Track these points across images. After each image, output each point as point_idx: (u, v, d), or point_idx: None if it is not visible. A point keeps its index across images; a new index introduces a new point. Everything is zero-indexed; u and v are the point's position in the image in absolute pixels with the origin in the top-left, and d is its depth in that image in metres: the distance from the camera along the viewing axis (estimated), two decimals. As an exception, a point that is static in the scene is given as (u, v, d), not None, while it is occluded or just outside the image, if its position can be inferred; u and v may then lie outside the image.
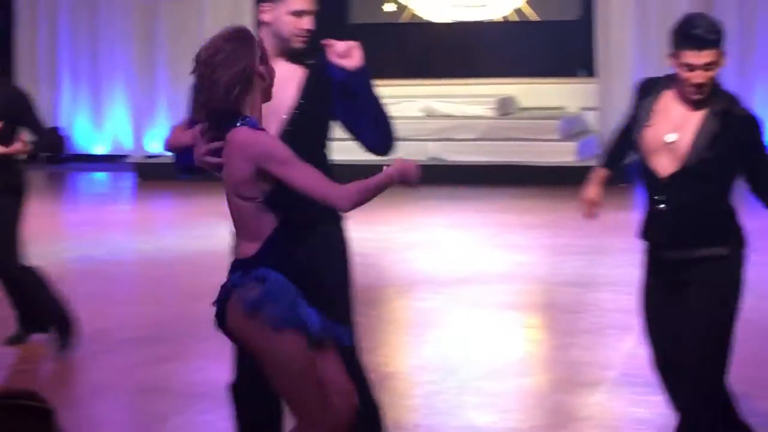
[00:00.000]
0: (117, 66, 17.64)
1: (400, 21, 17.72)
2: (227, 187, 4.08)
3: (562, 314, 8.10)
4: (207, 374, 6.98)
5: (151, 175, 15.92)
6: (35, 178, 16.01)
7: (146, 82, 17.49)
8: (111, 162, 17.40)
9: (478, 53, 16.77)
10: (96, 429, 6.06)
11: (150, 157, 16.98)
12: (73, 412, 5.86)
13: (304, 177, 4.00)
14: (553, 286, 8.97)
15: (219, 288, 4.07)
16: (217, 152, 4.01)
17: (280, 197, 4.01)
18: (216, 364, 7.24)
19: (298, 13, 4.55)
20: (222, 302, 4.10)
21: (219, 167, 4.04)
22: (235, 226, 4.16)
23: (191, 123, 4.34)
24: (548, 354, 7.31)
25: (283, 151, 3.98)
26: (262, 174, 3.92)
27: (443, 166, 15.05)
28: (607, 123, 16.18)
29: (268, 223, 4.01)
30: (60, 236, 11.87)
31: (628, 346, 7.05)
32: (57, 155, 14.25)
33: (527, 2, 17.37)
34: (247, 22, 16.71)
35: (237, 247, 4.17)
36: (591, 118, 16.39)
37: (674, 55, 4.74)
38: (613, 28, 16.06)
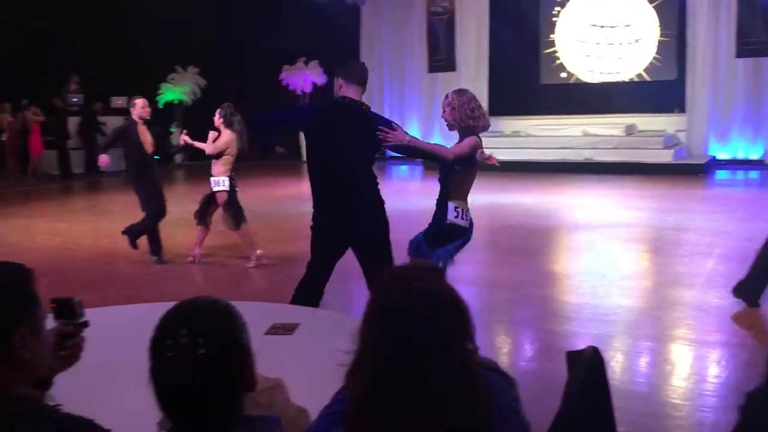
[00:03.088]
0: (413, 108, 17.90)
1: (570, 82, 17.25)
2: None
3: (667, 246, 7.74)
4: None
5: (430, 167, 16.05)
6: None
7: (428, 117, 17.65)
8: (409, 161, 17.66)
9: (615, 99, 16.15)
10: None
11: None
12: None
13: None
14: (660, 230, 8.58)
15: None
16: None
17: None
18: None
19: None
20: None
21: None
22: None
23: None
24: (659, 268, 6.92)
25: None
26: None
27: (593, 163, 14.59)
28: (691, 140, 15.36)
29: None
30: (384, 197, 12.21)
31: (711, 265, 6.68)
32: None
33: (644, 70, 16.59)
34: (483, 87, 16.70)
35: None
36: (681, 136, 15.56)
37: None
38: (697, 85, 15.22)
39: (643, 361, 4.48)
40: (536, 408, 1.82)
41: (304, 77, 17.71)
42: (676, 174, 13.41)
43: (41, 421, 1.28)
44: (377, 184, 4.09)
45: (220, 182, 6.86)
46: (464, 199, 4.31)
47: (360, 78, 4.06)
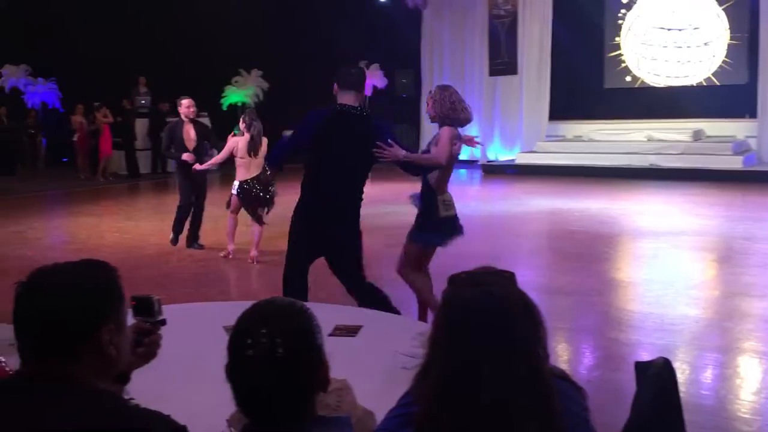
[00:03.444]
0: (473, 111, 17.73)
1: (636, 86, 16.89)
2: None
3: (737, 255, 7.47)
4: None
5: (490, 171, 16.02)
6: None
7: (488, 121, 17.55)
8: (468, 164, 17.61)
9: (682, 103, 15.73)
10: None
11: (489, 161, 17.07)
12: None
13: None
14: (729, 239, 8.30)
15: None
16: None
17: None
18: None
19: None
20: None
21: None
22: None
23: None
24: (728, 278, 6.67)
25: None
26: None
27: (659, 169, 14.23)
28: (762, 146, 14.85)
29: None
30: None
31: (784, 276, 6.43)
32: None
33: (713, 73, 16.13)
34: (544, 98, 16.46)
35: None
36: (752, 142, 15.06)
37: None
38: (769, 88, 14.75)
39: (711, 374, 4.35)
40: (601, 418, 1.78)
41: (364, 80, 17.81)
42: (746, 181, 12.98)
43: (124, 416, 1.31)
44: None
45: (234, 186, 7.39)
46: (446, 190, 4.51)
47: (352, 83, 4.06)
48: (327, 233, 4.07)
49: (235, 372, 1.29)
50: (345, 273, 4.19)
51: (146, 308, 1.66)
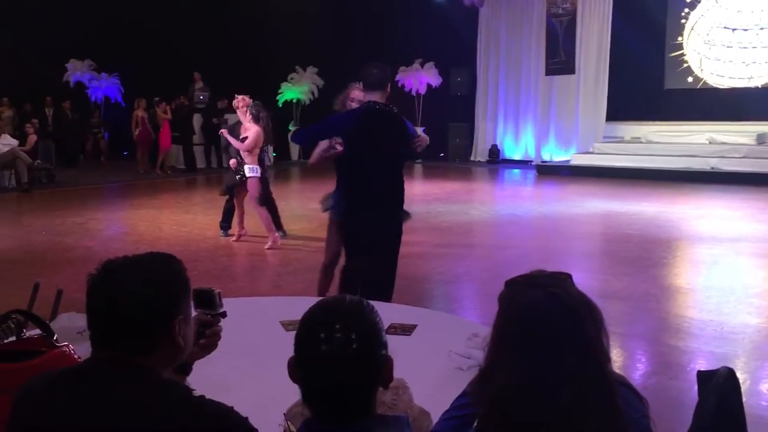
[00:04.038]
0: (528, 111, 17.62)
1: (697, 87, 16.45)
2: None
3: (800, 263, 7.21)
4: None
5: (544, 172, 15.82)
6: (483, 172, 16.42)
7: (543, 120, 17.35)
8: (522, 164, 17.45)
9: (745, 105, 15.26)
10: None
11: (543, 161, 16.86)
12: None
13: None
14: (793, 247, 8.00)
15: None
16: None
17: None
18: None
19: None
20: None
21: None
22: None
23: None
24: (791, 286, 6.45)
25: None
26: None
27: (720, 172, 13.85)
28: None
29: None
30: (496, 202, 12.11)
31: None
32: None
33: (779, 75, 15.64)
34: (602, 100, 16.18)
35: None
36: (820, 146, 14.56)
37: None
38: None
39: (772, 385, 4.21)
40: (658, 426, 1.74)
41: (419, 78, 17.79)
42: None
43: (190, 406, 1.34)
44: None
45: (254, 169, 7.70)
46: None
47: (374, 83, 4.15)
48: (389, 226, 4.13)
49: (306, 368, 1.29)
50: (376, 274, 4.12)
51: (208, 301, 1.70)
